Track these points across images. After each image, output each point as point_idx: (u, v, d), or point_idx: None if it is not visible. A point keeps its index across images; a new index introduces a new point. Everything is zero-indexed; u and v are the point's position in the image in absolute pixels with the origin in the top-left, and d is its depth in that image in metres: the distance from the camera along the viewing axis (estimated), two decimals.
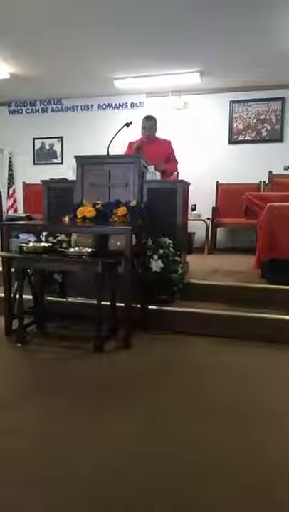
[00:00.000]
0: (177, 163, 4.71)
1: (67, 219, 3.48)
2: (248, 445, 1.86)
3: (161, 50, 4.90)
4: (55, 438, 1.91)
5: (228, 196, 5.97)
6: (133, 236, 3.09)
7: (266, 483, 1.61)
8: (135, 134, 4.63)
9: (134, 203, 3.48)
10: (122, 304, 3.10)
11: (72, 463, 1.73)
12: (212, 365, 2.78)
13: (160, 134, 4.80)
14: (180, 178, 4.56)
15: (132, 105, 6.63)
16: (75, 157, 3.86)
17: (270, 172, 5.91)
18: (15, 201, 7.16)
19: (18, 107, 7.13)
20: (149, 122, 4.61)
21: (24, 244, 3.24)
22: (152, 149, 4.43)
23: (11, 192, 7.16)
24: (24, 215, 5.73)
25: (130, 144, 4.58)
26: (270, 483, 1.61)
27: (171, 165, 4.60)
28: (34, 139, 7.13)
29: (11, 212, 6.90)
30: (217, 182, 6.21)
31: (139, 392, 2.39)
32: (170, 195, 3.76)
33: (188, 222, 4.35)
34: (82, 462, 1.73)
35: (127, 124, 4.02)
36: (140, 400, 2.30)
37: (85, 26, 4.34)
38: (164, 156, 4.54)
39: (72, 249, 3.21)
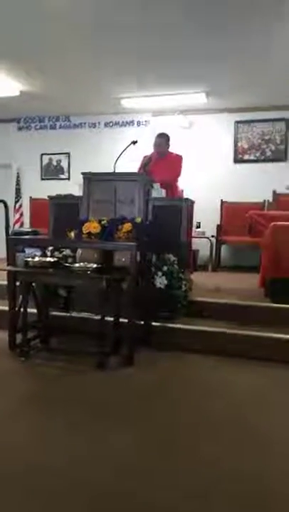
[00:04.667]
0: (178, 175, 4.65)
1: (72, 234, 3.51)
2: (242, 470, 1.85)
3: (168, 72, 5.03)
4: (54, 452, 1.91)
5: (233, 214, 6.01)
6: (138, 252, 3.12)
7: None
8: (141, 152, 4.70)
9: (138, 219, 3.51)
10: (126, 320, 3.11)
11: (71, 475, 1.72)
12: (214, 383, 2.76)
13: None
14: (185, 195, 4.60)
15: (139, 123, 6.76)
16: (82, 173, 3.92)
17: (274, 191, 5.97)
18: (21, 215, 7.24)
19: (27, 124, 7.27)
20: (159, 139, 4.71)
21: (30, 259, 3.27)
22: (161, 165, 4.50)
23: (17, 206, 7.24)
24: (30, 230, 5.79)
25: (144, 158, 4.63)
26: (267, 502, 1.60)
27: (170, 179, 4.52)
28: (42, 154, 7.25)
29: (17, 226, 6.97)
30: (221, 200, 6.27)
31: (141, 410, 2.39)
32: (175, 213, 3.80)
33: (193, 239, 4.38)
34: (82, 475, 1.73)
35: (133, 142, 4.09)
36: (141, 417, 2.30)
37: (94, 49, 4.48)
38: (174, 173, 4.55)
39: (77, 265, 3.24)
